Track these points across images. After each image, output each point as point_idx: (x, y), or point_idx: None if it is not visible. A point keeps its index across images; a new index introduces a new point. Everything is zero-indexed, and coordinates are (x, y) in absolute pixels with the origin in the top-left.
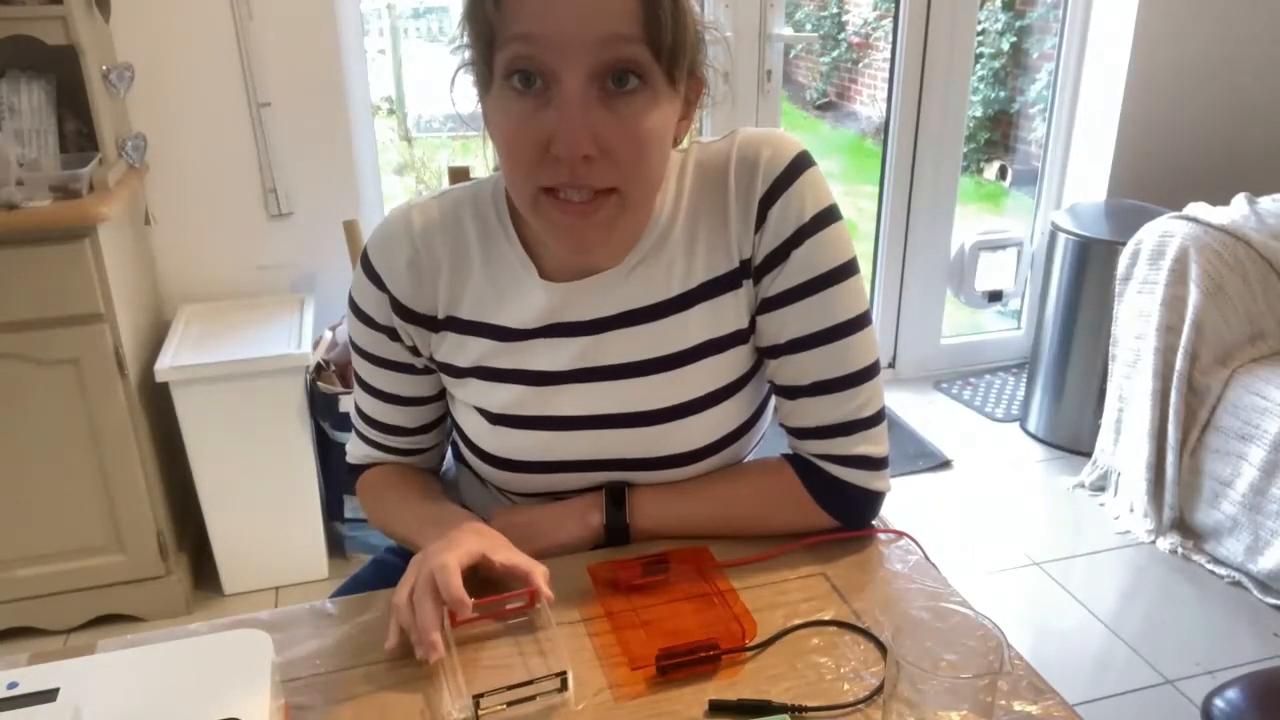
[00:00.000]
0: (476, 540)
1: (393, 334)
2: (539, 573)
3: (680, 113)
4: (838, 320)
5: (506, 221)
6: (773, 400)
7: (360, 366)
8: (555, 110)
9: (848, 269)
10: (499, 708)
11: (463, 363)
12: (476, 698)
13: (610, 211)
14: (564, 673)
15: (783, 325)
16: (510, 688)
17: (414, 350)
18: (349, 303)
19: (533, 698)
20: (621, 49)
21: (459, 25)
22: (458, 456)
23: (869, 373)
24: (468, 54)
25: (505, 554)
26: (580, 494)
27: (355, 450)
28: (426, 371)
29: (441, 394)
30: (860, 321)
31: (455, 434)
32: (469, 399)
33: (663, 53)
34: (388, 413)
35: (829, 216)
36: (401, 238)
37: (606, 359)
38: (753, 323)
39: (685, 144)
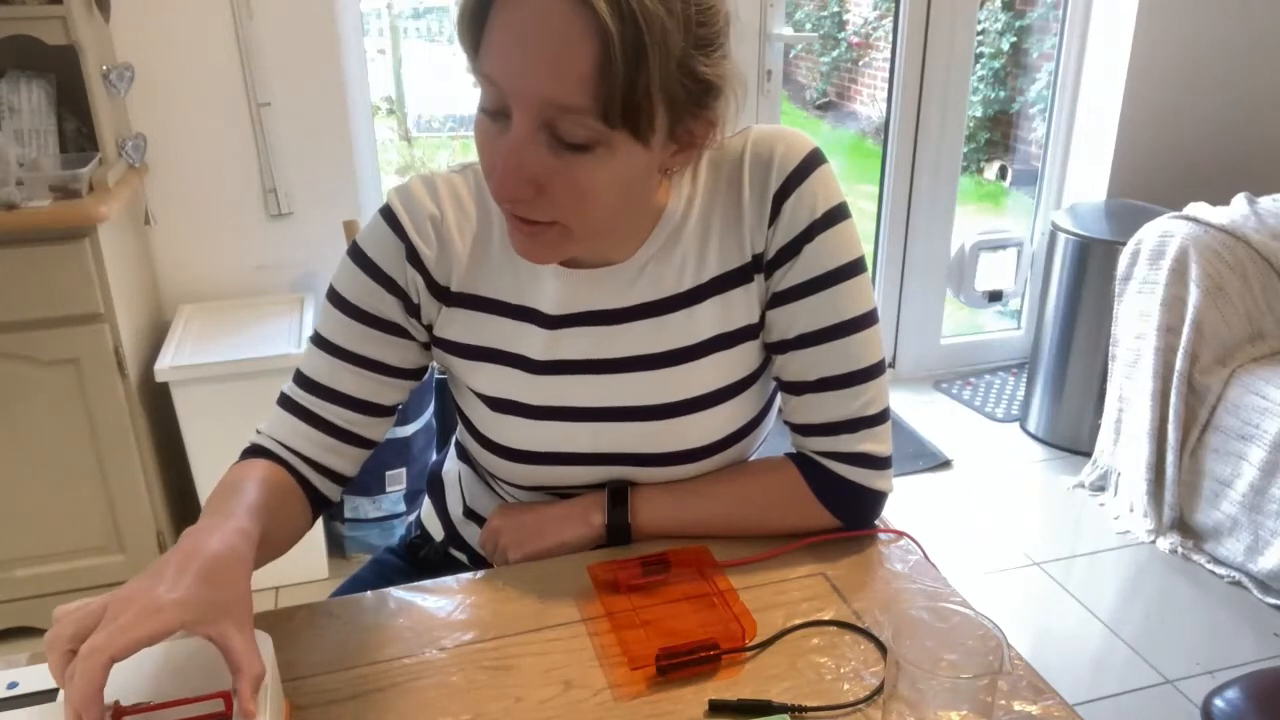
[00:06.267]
0: (188, 607)
1: (393, 286)
2: (248, 675)
3: (673, 149)
4: (845, 317)
5: None
6: (778, 399)
7: (331, 323)
8: (504, 144)
9: (857, 266)
10: None
11: (477, 343)
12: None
13: (554, 238)
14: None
15: (792, 320)
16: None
17: (412, 311)
18: (350, 251)
19: None
20: (569, 117)
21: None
22: (461, 455)
23: (874, 371)
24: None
25: (223, 629)
26: (584, 489)
27: (271, 426)
28: (408, 337)
29: (407, 372)
30: (867, 319)
31: (460, 425)
32: (474, 384)
33: (615, 120)
34: (344, 377)
35: (840, 213)
36: (426, 198)
37: (618, 351)
38: (763, 318)
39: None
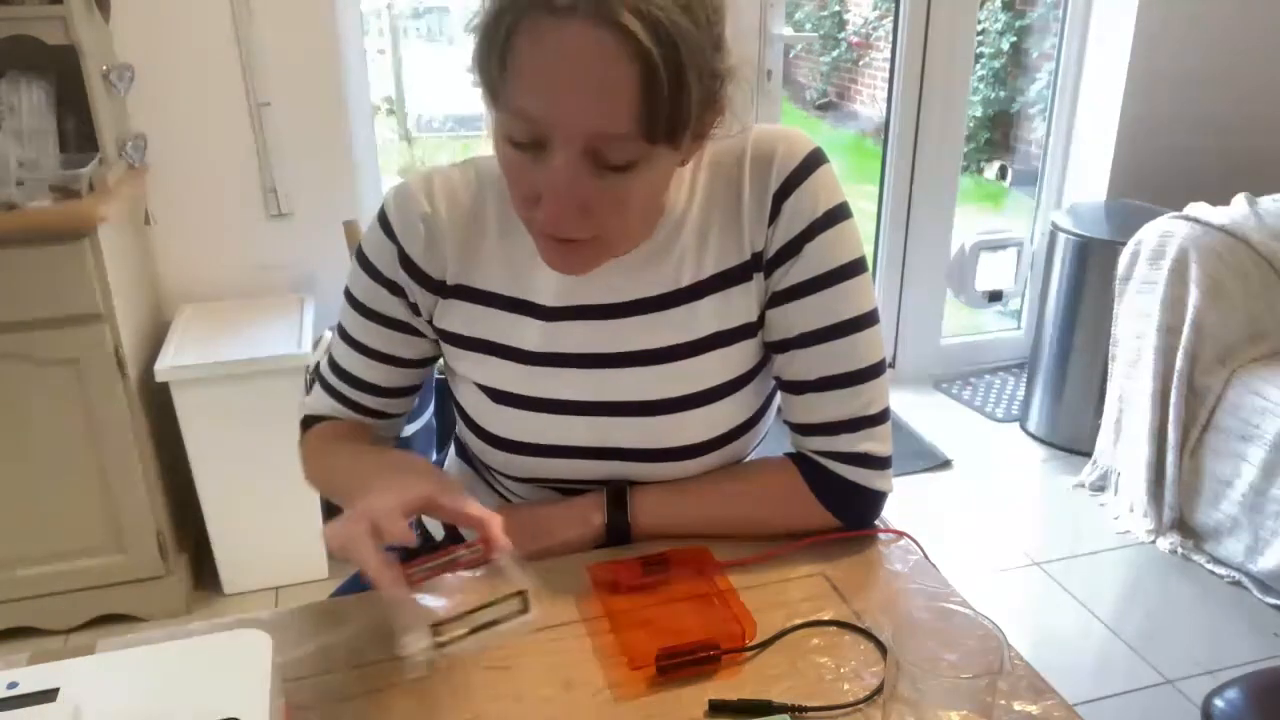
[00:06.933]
0: (425, 484)
1: (395, 288)
2: (493, 521)
3: (689, 140)
4: (846, 316)
5: None
6: (776, 398)
7: (349, 319)
8: (546, 174)
9: (858, 266)
10: (460, 632)
11: (473, 334)
12: (434, 626)
13: (592, 252)
14: (523, 592)
15: (792, 320)
16: (468, 612)
17: (414, 309)
18: (356, 253)
19: (494, 622)
20: (614, 143)
21: (471, 59)
22: (461, 453)
23: (875, 370)
24: (477, 75)
25: (456, 500)
26: (581, 483)
27: (315, 403)
28: (417, 334)
29: (423, 361)
30: (868, 319)
31: (459, 419)
32: (472, 375)
33: (660, 138)
34: (366, 368)
35: (841, 213)
36: (419, 196)
37: (616, 346)
38: (762, 316)
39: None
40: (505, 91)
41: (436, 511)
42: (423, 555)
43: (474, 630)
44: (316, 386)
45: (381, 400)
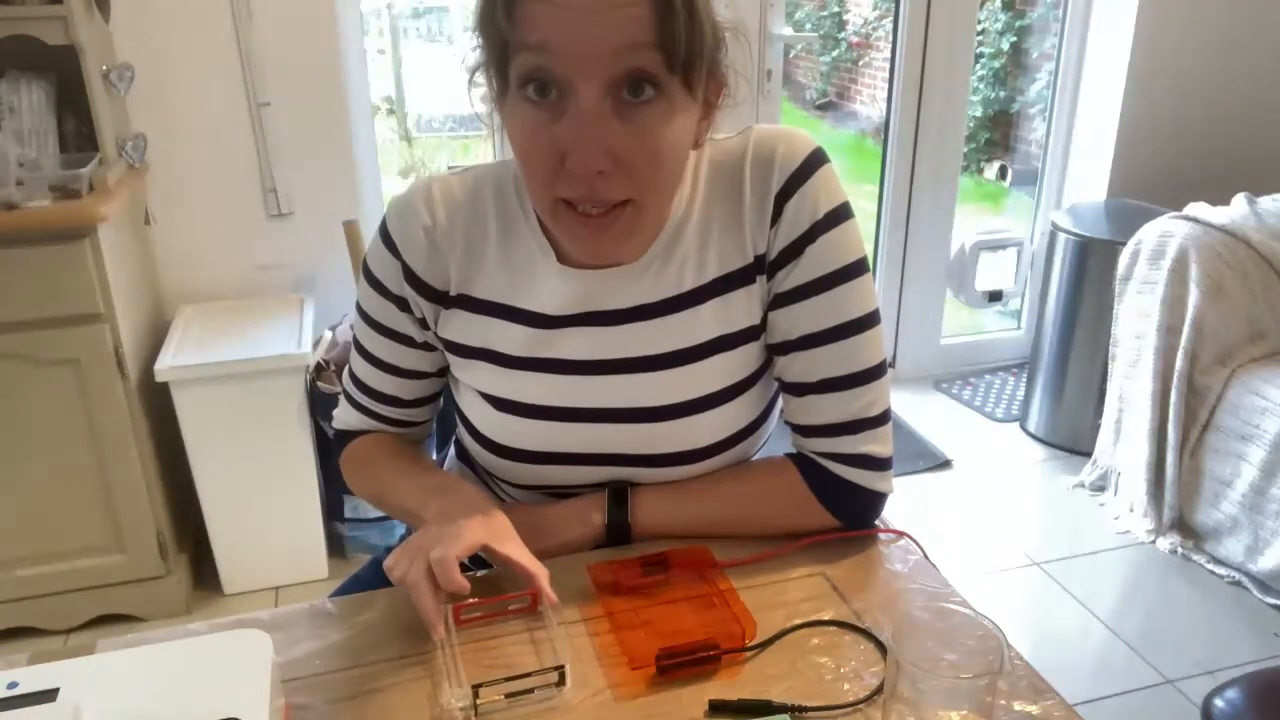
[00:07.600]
0: (480, 529)
1: (402, 304)
2: (542, 575)
3: (700, 114)
4: (848, 318)
5: (526, 205)
6: (779, 401)
7: (363, 334)
8: (569, 123)
9: (860, 267)
10: (497, 698)
11: (474, 343)
12: (475, 687)
13: (627, 222)
14: (561, 667)
15: (794, 321)
16: (508, 679)
17: (422, 323)
18: (363, 269)
19: (531, 690)
20: (635, 59)
21: (471, 32)
22: (461, 455)
23: (876, 372)
24: (481, 61)
25: (509, 547)
26: (583, 489)
27: (344, 416)
28: (428, 348)
29: (440, 371)
30: (870, 320)
31: (459, 423)
32: (474, 383)
33: (677, 61)
34: (385, 382)
35: (843, 214)
36: (419, 207)
37: (619, 352)
38: (764, 319)
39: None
40: (517, 35)
41: (489, 556)
42: (472, 598)
43: (510, 695)
44: (342, 400)
45: (404, 411)
